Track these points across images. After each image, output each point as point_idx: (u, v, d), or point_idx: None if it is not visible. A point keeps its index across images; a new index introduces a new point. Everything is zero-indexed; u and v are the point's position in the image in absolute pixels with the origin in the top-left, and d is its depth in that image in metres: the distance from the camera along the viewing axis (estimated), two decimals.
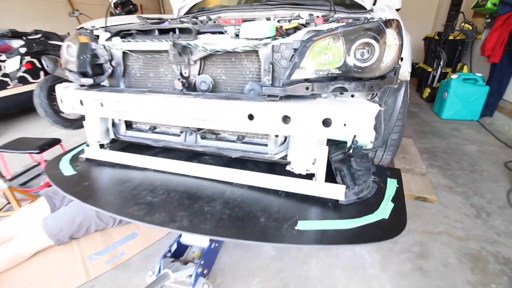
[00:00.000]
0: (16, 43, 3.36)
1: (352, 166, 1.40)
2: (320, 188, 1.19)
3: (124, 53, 1.38)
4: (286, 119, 1.00)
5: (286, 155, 1.26)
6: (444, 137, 3.15)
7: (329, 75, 1.01)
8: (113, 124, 1.56)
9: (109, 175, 1.50)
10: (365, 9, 1.82)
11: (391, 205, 1.22)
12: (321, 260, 1.57)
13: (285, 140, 1.24)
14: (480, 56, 3.60)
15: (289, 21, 1.59)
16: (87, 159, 1.66)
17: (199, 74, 1.25)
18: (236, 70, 1.21)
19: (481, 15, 3.68)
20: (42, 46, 3.56)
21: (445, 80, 3.77)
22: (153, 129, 1.50)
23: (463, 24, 3.75)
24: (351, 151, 1.38)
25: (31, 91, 3.58)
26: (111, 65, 1.40)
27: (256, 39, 1.07)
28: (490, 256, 1.58)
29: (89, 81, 1.33)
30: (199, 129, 1.35)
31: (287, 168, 1.21)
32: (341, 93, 1.21)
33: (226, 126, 1.09)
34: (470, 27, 3.64)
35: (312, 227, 1.07)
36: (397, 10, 2.02)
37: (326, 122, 0.97)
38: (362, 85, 1.01)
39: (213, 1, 2.55)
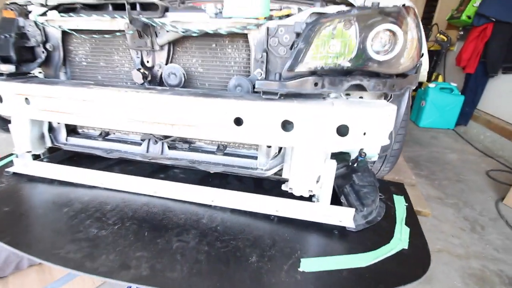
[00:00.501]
0: None
1: (356, 182, 1.17)
2: (325, 213, 0.94)
3: (65, 34, 1.03)
4: (287, 125, 0.73)
5: (281, 170, 0.99)
6: (424, 145, 3.12)
7: (341, 68, 0.77)
8: (51, 128, 1.18)
9: (41, 197, 1.12)
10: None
11: (407, 229, 1.01)
12: None
13: (279, 152, 0.97)
14: (453, 66, 3.69)
15: (280, 9, 1.35)
16: (15, 173, 1.25)
17: (166, 64, 0.95)
18: (217, 60, 0.92)
19: (454, 27, 3.79)
20: None
21: (422, 89, 3.81)
22: (105, 135, 1.15)
23: (438, 35, 3.82)
24: (355, 165, 1.15)
25: None
26: (45, 49, 1.04)
27: (246, 18, 0.80)
28: (494, 276, 1.44)
29: (10, 68, 0.97)
30: (166, 137, 1.03)
31: (283, 187, 0.94)
32: (348, 94, 0.98)
33: (204, 133, 0.79)
34: (445, 38, 3.73)
35: (319, 267, 0.80)
36: None
37: (342, 130, 0.72)
38: (382, 83, 0.79)
39: None
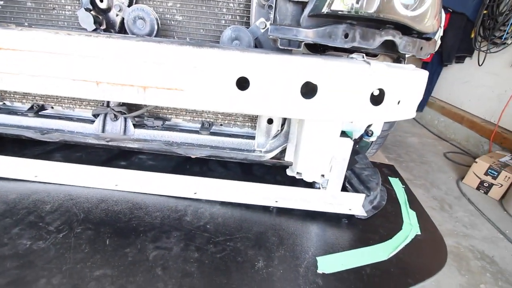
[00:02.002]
0: None
1: (356, 165, 1.06)
2: (333, 201, 0.80)
3: None
4: (309, 89, 0.55)
5: (283, 152, 0.81)
6: None
7: (373, 17, 0.60)
8: None
9: None
10: None
11: (413, 213, 0.93)
12: None
13: (281, 130, 0.79)
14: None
15: None
16: None
17: (130, 5, 0.67)
18: (203, 6, 0.69)
19: None
20: None
21: None
22: (38, 109, 0.83)
23: None
24: (357, 146, 1.03)
25: None
26: None
27: None
28: (468, 252, 1.51)
29: None
30: (130, 110, 0.77)
31: (289, 173, 0.77)
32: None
33: (192, 101, 0.56)
34: None
35: (339, 266, 0.66)
36: None
37: (377, 97, 0.57)
38: (413, 43, 0.66)
39: None
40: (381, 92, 0.57)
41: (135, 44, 0.51)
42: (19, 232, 0.64)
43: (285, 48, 0.56)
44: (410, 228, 0.85)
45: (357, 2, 0.55)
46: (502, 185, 1.99)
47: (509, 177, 1.95)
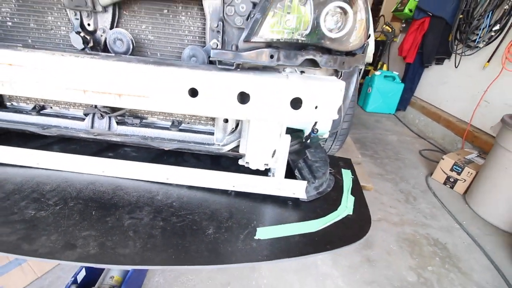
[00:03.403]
0: None
1: (308, 157, 1.24)
2: (279, 186, 0.99)
3: None
4: (243, 97, 0.73)
5: (237, 146, 1.00)
6: (370, 128, 3.42)
7: (296, 41, 0.78)
8: None
9: None
10: None
11: (352, 198, 1.11)
12: (271, 264, 1.39)
13: (236, 128, 0.97)
14: (396, 56, 4.04)
15: None
16: None
17: (111, 28, 0.86)
18: (170, 28, 0.87)
19: (398, 19, 4.12)
20: None
21: (369, 76, 4.12)
22: (39, 109, 1.01)
23: (384, 26, 4.12)
24: (308, 141, 1.21)
25: None
26: None
27: None
28: (423, 239, 1.69)
29: None
30: (114, 110, 0.95)
31: (240, 162, 0.96)
32: (302, 72, 1.01)
33: (155, 105, 0.75)
34: (390, 29, 4.04)
35: (273, 234, 0.85)
36: None
37: (296, 103, 0.75)
38: (334, 60, 0.83)
39: None
40: (299, 99, 0.75)
41: (111, 63, 0.70)
42: (25, 204, 0.83)
43: (224, 67, 0.74)
44: (345, 209, 1.03)
45: (278, 39, 0.73)
46: (465, 180, 2.17)
47: (471, 173, 2.12)
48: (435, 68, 3.36)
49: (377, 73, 3.84)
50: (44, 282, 1.23)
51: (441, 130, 3.10)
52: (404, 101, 3.82)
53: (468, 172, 2.14)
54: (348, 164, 1.43)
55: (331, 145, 1.69)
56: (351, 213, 1.02)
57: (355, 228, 0.94)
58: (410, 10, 3.53)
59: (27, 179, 0.95)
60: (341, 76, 1.03)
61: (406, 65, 3.75)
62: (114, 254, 0.69)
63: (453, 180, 2.23)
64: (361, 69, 4.64)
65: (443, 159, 2.27)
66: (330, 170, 1.27)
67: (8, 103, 1.06)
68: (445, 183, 2.28)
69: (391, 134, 3.28)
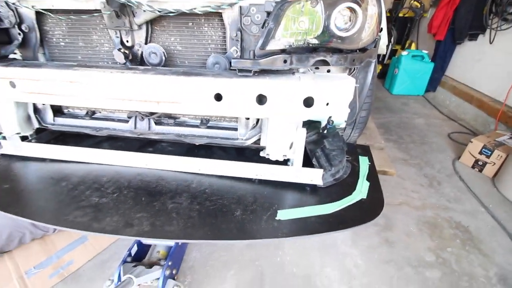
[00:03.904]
0: None
1: (326, 146, 1.33)
2: (297, 174, 1.10)
3: (39, 14, 1.04)
4: (261, 99, 0.84)
5: (259, 139, 1.12)
6: (396, 111, 3.34)
7: (308, 45, 0.86)
8: (36, 110, 1.22)
9: (37, 173, 1.19)
10: None
11: (367, 184, 1.19)
12: (295, 244, 1.53)
13: (257, 123, 1.09)
14: (425, 34, 3.82)
15: None
16: (3, 155, 1.30)
17: (146, 43, 1.00)
18: (195, 39, 0.99)
19: None
20: None
21: (396, 57, 3.95)
22: (91, 114, 1.21)
23: (412, 1, 3.89)
24: (325, 132, 1.30)
25: None
26: (21, 30, 1.05)
27: None
28: (444, 222, 1.72)
29: None
30: (152, 113, 1.12)
31: (261, 154, 1.08)
32: (317, 68, 1.08)
33: (187, 109, 0.89)
34: (419, 5, 3.81)
35: (292, 216, 0.97)
36: None
37: (308, 102, 0.84)
38: (344, 58, 0.90)
39: None
40: (311, 98, 0.84)
41: (149, 76, 0.84)
42: (90, 193, 1.04)
43: (243, 74, 0.85)
44: (359, 194, 1.12)
45: (291, 45, 0.82)
46: (495, 164, 2.10)
47: (501, 156, 2.06)
48: (468, 44, 3.15)
49: (404, 53, 3.68)
50: (103, 257, 1.48)
51: (473, 111, 2.95)
52: (434, 81, 3.64)
53: (498, 155, 2.07)
54: (365, 151, 1.49)
55: (350, 133, 1.74)
56: (365, 197, 1.10)
57: (367, 210, 1.03)
58: None
59: (87, 173, 1.16)
60: (355, 70, 1.09)
61: (436, 43, 3.55)
62: (162, 230, 0.86)
63: (481, 163, 2.17)
64: (381, 55, 4.48)
65: (471, 142, 2.21)
66: (347, 157, 1.35)
67: (65, 110, 1.27)
68: (473, 167, 2.23)
69: (418, 117, 3.19)
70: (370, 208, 1.05)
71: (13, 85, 0.97)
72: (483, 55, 2.93)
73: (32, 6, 1.00)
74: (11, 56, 1.14)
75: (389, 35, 4.34)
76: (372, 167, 1.33)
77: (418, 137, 2.75)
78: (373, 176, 1.26)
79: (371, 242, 1.57)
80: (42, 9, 1.00)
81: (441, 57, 3.43)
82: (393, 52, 4.38)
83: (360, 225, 0.97)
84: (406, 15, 4.09)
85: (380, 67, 4.60)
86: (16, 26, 1.04)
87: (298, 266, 1.42)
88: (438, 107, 3.41)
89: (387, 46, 4.38)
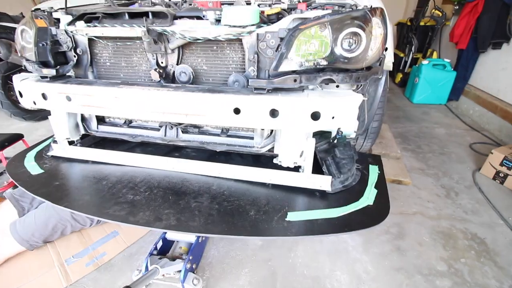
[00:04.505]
0: None
1: (337, 155, 1.42)
2: (307, 180, 1.20)
3: (91, 40, 1.25)
4: (274, 112, 0.97)
5: (273, 148, 1.24)
6: (415, 121, 3.31)
7: (316, 66, 0.98)
8: (83, 119, 1.43)
9: (82, 173, 1.39)
10: None
11: (375, 191, 1.26)
12: (307, 247, 1.61)
13: (271, 133, 1.21)
14: (448, 42, 3.77)
15: (270, 5, 1.52)
16: (53, 156, 1.52)
17: (177, 64, 1.17)
18: (218, 60, 1.14)
19: (449, 1, 3.82)
20: None
21: (416, 65, 3.92)
22: (128, 123, 1.40)
23: (433, 10, 3.86)
24: (335, 141, 1.39)
25: None
26: (76, 53, 1.26)
27: (240, 26, 1.01)
28: (460, 233, 1.71)
29: (52, 72, 1.19)
30: (180, 123, 1.28)
31: (274, 161, 1.20)
32: (327, 83, 1.19)
33: (210, 120, 1.03)
34: (440, 14, 3.77)
35: (301, 218, 1.07)
36: None
37: (315, 115, 0.95)
38: (349, 77, 1.00)
39: None
40: (318, 112, 0.95)
41: (180, 93, 1.00)
42: (126, 191, 1.21)
43: (258, 92, 0.98)
44: (366, 200, 1.20)
45: (301, 65, 0.94)
46: None
47: None
48: (491, 53, 3.08)
49: (425, 62, 3.65)
50: (132, 250, 1.64)
51: (497, 121, 2.87)
52: (457, 90, 3.57)
53: None
54: (376, 160, 1.55)
55: (363, 143, 1.81)
56: (371, 204, 1.18)
57: (372, 216, 1.11)
58: None
59: (124, 174, 1.34)
60: (361, 85, 1.19)
61: (459, 52, 3.49)
62: (187, 225, 1.00)
63: (503, 175, 2.12)
64: (402, 64, 4.42)
65: (492, 153, 2.17)
66: (357, 166, 1.43)
67: (107, 119, 1.48)
68: (494, 179, 2.18)
69: (438, 127, 3.14)
70: (375, 214, 1.13)
71: (69, 99, 1.17)
72: (508, 64, 2.86)
73: (86, 34, 1.20)
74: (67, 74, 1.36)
75: (410, 44, 4.32)
76: (381, 176, 1.40)
77: (437, 147, 2.72)
78: (381, 184, 1.33)
79: (383, 249, 1.61)
80: (94, 36, 1.20)
81: (464, 66, 3.36)
82: (415, 61, 4.34)
83: (364, 229, 1.05)
84: (428, 24, 4.05)
85: (400, 75, 4.57)
86: (72, 50, 1.26)
87: (309, 268, 1.50)
88: (461, 117, 3.34)
89: (408, 54, 4.35)
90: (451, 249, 1.60)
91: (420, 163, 2.46)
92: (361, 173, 1.40)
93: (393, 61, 1.26)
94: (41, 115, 3.29)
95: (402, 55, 4.56)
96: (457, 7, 3.66)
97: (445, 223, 1.79)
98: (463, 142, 2.79)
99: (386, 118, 3.36)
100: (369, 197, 1.22)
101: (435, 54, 3.94)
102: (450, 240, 1.66)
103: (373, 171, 1.44)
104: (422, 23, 4.10)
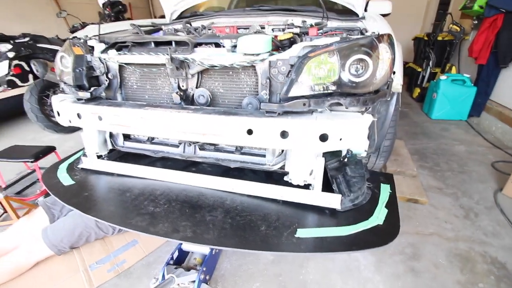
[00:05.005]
0: (4, 47, 3.29)
1: (347, 173, 1.45)
2: (317, 198, 1.24)
3: (120, 66, 1.39)
4: (284, 134, 1.04)
5: (284, 165, 1.29)
6: (433, 137, 3.24)
7: (325, 90, 1.04)
8: (111, 135, 1.57)
9: (108, 185, 1.51)
10: (357, 15, 1.85)
11: (385, 211, 1.27)
12: (318, 264, 1.62)
13: (282, 151, 1.27)
14: (467, 57, 3.70)
15: (283, 30, 1.62)
16: (83, 168, 1.66)
17: (197, 87, 1.27)
18: (234, 84, 1.23)
19: (468, 16, 3.78)
20: (30, 49, 3.50)
21: (434, 80, 3.87)
22: (151, 140, 1.52)
23: (451, 25, 3.84)
24: (345, 160, 1.43)
25: (20, 95, 3.53)
26: (107, 77, 1.41)
27: (253, 54, 1.10)
28: (478, 256, 1.66)
29: (87, 95, 1.34)
30: (197, 141, 1.37)
31: (285, 178, 1.25)
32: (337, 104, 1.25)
33: (226, 140, 1.12)
34: (458, 29, 3.74)
35: (311, 235, 1.11)
36: (387, 14, 2.07)
37: (323, 137, 1.01)
38: (356, 100, 1.05)
39: (205, 4, 2.55)
40: (326, 134, 1.00)
41: (199, 115, 1.09)
42: (147, 203, 1.30)
43: (270, 115, 1.05)
44: (376, 220, 1.21)
45: (310, 90, 1.01)
46: None
47: None
48: None
49: (443, 77, 3.60)
50: (150, 259, 1.73)
51: None
52: (478, 106, 3.47)
53: None
54: (388, 179, 1.56)
55: (375, 161, 1.82)
56: (381, 224, 1.19)
57: (381, 236, 1.12)
58: (481, 7, 3.24)
59: (145, 186, 1.44)
60: (370, 107, 1.23)
61: (479, 67, 3.42)
62: (202, 237, 1.07)
63: None
64: (420, 78, 4.40)
65: None
66: (368, 184, 1.45)
67: (132, 136, 1.61)
68: None
69: (458, 144, 3.05)
70: (384, 234, 1.14)
71: (100, 118, 1.30)
72: None
73: (117, 61, 1.35)
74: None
75: (427, 58, 4.28)
76: (392, 195, 1.41)
77: (456, 165, 2.65)
78: (392, 204, 1.34)
79: (396, 270, 1.59)
80: (124, 63, 1.34)
81: (484, 81, 3.29)
82: (433, 75, 4.28)
83: (372, 248, 1.06)
84: (446, 39, 4.02)
85: (418, 90, 4.51)
86: (104, 74, 1.41)
87: (319, 285, 1.50)
88: (483, 134, 3.23)
89: (425, 69, 4.31)
90: (468, 273, 1.55)
91: (438, 181, 2.40)
92: (372, 191, 1.41)
93: (401, 83, 1.30)
94: (70, 128, 3.54)
95: (419, 69, 4.51)
96: (476, 22, 3.61)
97: (463, 245, 1.74)
98: (484, 160, 2.70)
99: (403, 134, 3.31)
100: (379, 216, 1.23)
101: (454, 69, 3.88)
102: (468, 264, 1.61)
103: (385, 190, 1.45)
104: (439, 38, 4.07)
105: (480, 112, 3.44)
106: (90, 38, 1.50)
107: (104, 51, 1.39)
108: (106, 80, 1.41)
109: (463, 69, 3.85)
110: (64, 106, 1.39)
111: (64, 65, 1.45)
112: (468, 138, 3.19)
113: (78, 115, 1.35)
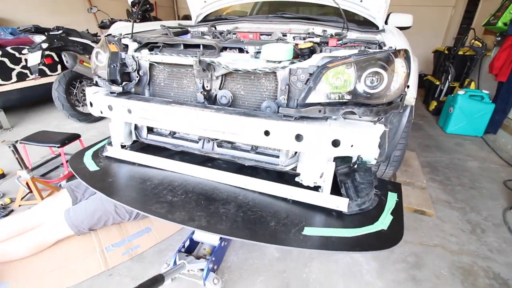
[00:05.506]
0: (39, 38, 3.50)
1: (356, 179, 1.51)
2: (326, 200, 1.31)
3: (151, 64, 1.50)
4: (299, 137, 1.11)
5: (296, 167, 1.37)
6: (447, 151, 3.23)
7: (340, 99, 1.11)
8: (136, 127, 1.69)
9: (130, 173, 1.62)
10: (377, 28, 1.91)
11: (390, 217, 1.33)
12: (322, 264, 1.68)
13: (295, 153, 1.35)
14: (488, 73, 3.66)
15: (304, 38, 1.70)
16: (107, 156, 1.79)
17: (220, 89, 1.37)
18: (255, 88, 1.32)
19: (491, 32, 3.73)
20: (62, 42, 3.71)
21: (452, 95, 3.84)
22: (172, 134, 1.62)
23: (473, 40, 3.80)
24: (355, 166, 1.49)
25: (48, 83, 3.75)
26: (138, 74, 1.52)
27: (275, 61, 1.18)
28: (481, 271, 1.67)
29: (119, 89, 1.46)
30: (216, 138, 1.47)
31: (296, 179, 1.33)
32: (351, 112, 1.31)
33: (243, 139, 1.20)
34: (480, 44, 3.70)
35: (317, 233, 1.18)
36: (408, 27, 2.11)
37: (335, 143, 1.08)
38: (369, 111, 1.12)
39: (229, 8, 2.66)
40: (338, 140, 1.07)
41: (220, 114, 1.19)
42: (166, 193, 1.41)
43: (286, 118, 1.13)
44: (380, 225, 1.27)
45: (326, 98, 1.08)
46: None
47: None
48: None
49: (461, 92, 3.57)
50: (162, 246, 1.83)
51: None
52: (495, 124, 3.43)
53: None
54: (396, 188, 1.61)
55: (385, 170, 1.87)
56: (385, 229, 1.25)
57: (384, 240, 1.18)
58: (505, 24, 3.21)
59: (164, 177, 1.55)
60: (382, 117, 1.29)
61: (499, 84, 3.38)
62: (215, 227, 1.16)
63: None
64: (437, 91, 4.37)
65: None
66: (376, 191, 1.50)
67: (155, 129, 1.72)
68: None
69: (471, 160, 3.03)
70: (388, 239, 1.20)
71: (129, 111, 1.42)
72: None
73: (148, 59, 1.46)
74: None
75: (447, 72, 4.25)
76: (399, 204, 1.46)
77: (468, 180, 2.64)
78: (398, 212, 1.39)
79: (397, 277, 1.63)
80: (155, 62, 1.46)
81: (504, 99, 3.24)
82: (451, 89, 4.24)
83: (374, 251, 1.12)
84: (466, 54, 3.98)
85: (435, 103, 4.47)
86: (136, 71, 1.53)
87: (322, 285, 1.57)
88: (498, 151, 3.19)
89: (444, 83, 4.27)
90: (469, 286, 1.57)
91: (447, 195, 2.41)
92: (379, 198, 1.47)
93: (415, 96, 1.35)
94: (93, 118, 3.73)
95: (438, 82, 4.48)
96: (499, 39, 3.57)
97: (466, 259, 1.76)
98: (497, 178, 2.68)
99: (416, 146, 3.31)
100: (383, 222, 1.29)
101: (473, 85, 3.83)
102: (470, 277, 1.63)
103: (392, 198, 1.50)
104: (460, 52, 4.03)
105: (497, 130, 3.39)
106: (124, 37, 1.62)
107: (137, 50, 1.51)
108: (137, 77, 1.53)
109: (482, 85, 3.80)
110: (97, 98, 1.51)
111: (99, 60, 1.57)
112: (482, 155, 3.16)
113: (110, 107, 1.47)
